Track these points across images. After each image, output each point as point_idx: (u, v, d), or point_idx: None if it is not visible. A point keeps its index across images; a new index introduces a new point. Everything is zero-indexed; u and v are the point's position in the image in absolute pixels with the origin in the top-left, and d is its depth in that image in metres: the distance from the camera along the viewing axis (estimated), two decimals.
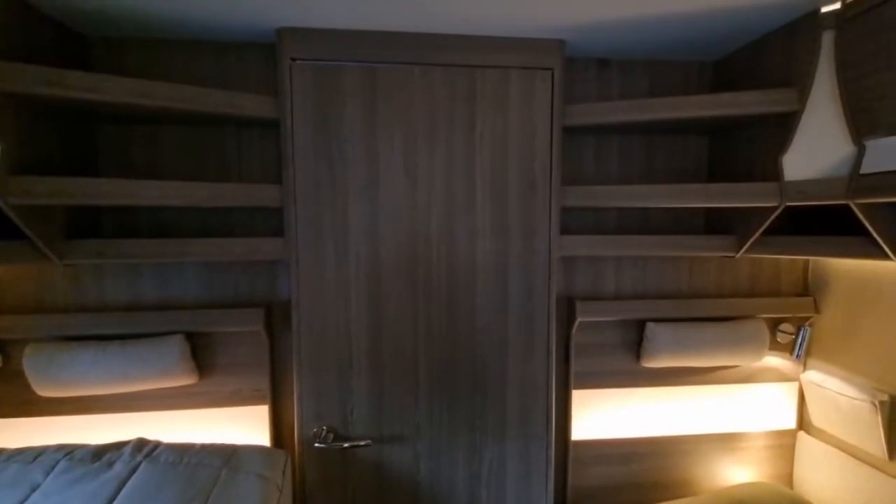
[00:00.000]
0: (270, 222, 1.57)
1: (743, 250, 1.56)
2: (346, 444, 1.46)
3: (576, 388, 1.74)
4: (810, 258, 1.80)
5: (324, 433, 1.48)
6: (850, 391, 1.60)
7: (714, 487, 1.81)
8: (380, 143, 1.46)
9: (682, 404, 1.80)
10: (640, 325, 1.73)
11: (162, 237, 1.41)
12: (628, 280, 1.75)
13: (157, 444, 1.33)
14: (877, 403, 1.51)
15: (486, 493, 1.60)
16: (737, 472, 1.84)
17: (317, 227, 1.45)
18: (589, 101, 1.66)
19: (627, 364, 1.76)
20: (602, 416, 1.77)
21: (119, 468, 1.21)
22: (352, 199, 1.46)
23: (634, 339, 1.75)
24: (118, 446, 1.31)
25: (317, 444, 1.46)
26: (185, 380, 1.49)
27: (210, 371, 1.55)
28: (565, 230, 1.59)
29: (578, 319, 1.65)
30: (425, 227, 1.49)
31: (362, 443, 1.46)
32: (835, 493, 1.69)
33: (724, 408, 1.82)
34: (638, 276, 1.75)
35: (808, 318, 1.78)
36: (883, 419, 1.51)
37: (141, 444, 1.32)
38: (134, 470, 1.21)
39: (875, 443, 1.54)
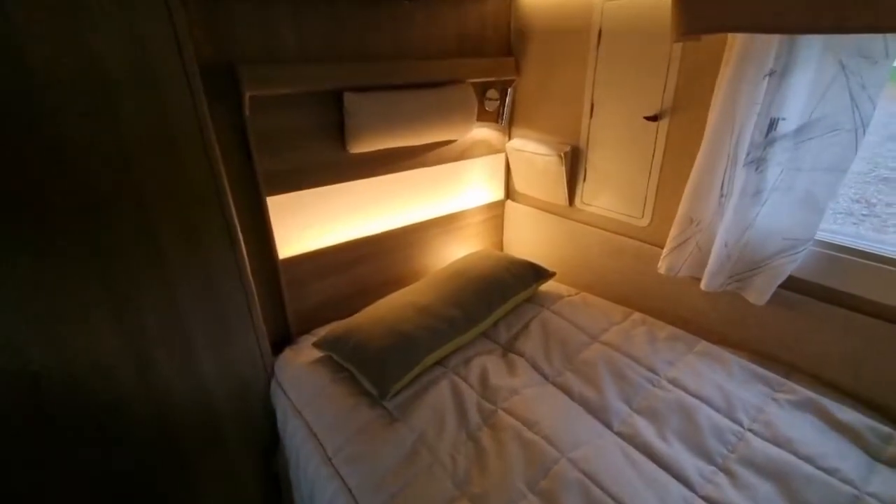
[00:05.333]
0: None
1: None
2: None
3: (272, 193, 1.32)
4: (512, 12, 1.64)
5: None
6: (542, 149, 1.64)
7: (438, 268, 1.81)
8: None
9: (401, 193, 1.61)
10: (340, 98, 1.34)
11: None
12: (315, 36, 1.28)
13: None
14: (561, 155, 1.58)
15: (167, 353, 1.15)
16: (458, 249, 1.86)
17: None
18: None
19: (333, 153, 1.41)
20: (314, 222, 1.44)
21: None
22: None
23: (336, 120, 1.38)
24: None
25: None
26: None
27: None
28: None
29: (247, 93, 1.14)
30: None
31: None
32: (531, 245, 1.87)
33: (442, 190, 1.73)
34: (328, 31, 1.29)
35: (511, 82, 1.71)
36: (566, 168, 1.60)
37: None
38: None
39: (560, 192, 1.66)
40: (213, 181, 1.10)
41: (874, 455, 0.94)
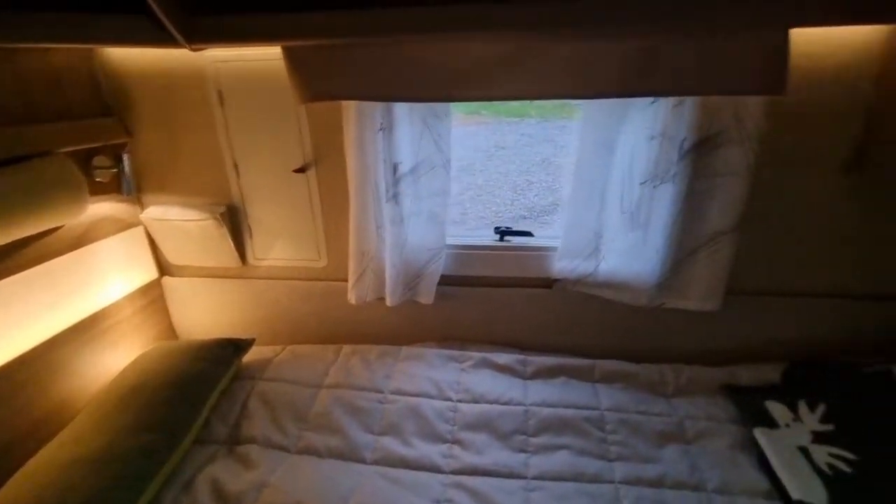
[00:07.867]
0: None
1: None
2: None
3: None
4: (97, 66, 1.38)
5: None
6: (192, 215, 1.48)
7: (99, 390, 1.37)
8: None
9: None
10: None
11: None
12: None
13: None
14: (218, 217, 1.47)
15: None
16: (117, 355, 1.45)
17: None
18: None
19: None
20: None
21: None
22: None
23: None
24: None
25: None
26: None
27: None
28: None
29: None
30: None
31: None
32: (211, 319, 1.67)
33: (65, 290, 1.29)
34: None
35: (124, 145, 1.44)
36: (228, 228, 1.51)
37: None
38: None
39: (227, 254, 1.55)
40: None
41: (522, 377, 1.39)
